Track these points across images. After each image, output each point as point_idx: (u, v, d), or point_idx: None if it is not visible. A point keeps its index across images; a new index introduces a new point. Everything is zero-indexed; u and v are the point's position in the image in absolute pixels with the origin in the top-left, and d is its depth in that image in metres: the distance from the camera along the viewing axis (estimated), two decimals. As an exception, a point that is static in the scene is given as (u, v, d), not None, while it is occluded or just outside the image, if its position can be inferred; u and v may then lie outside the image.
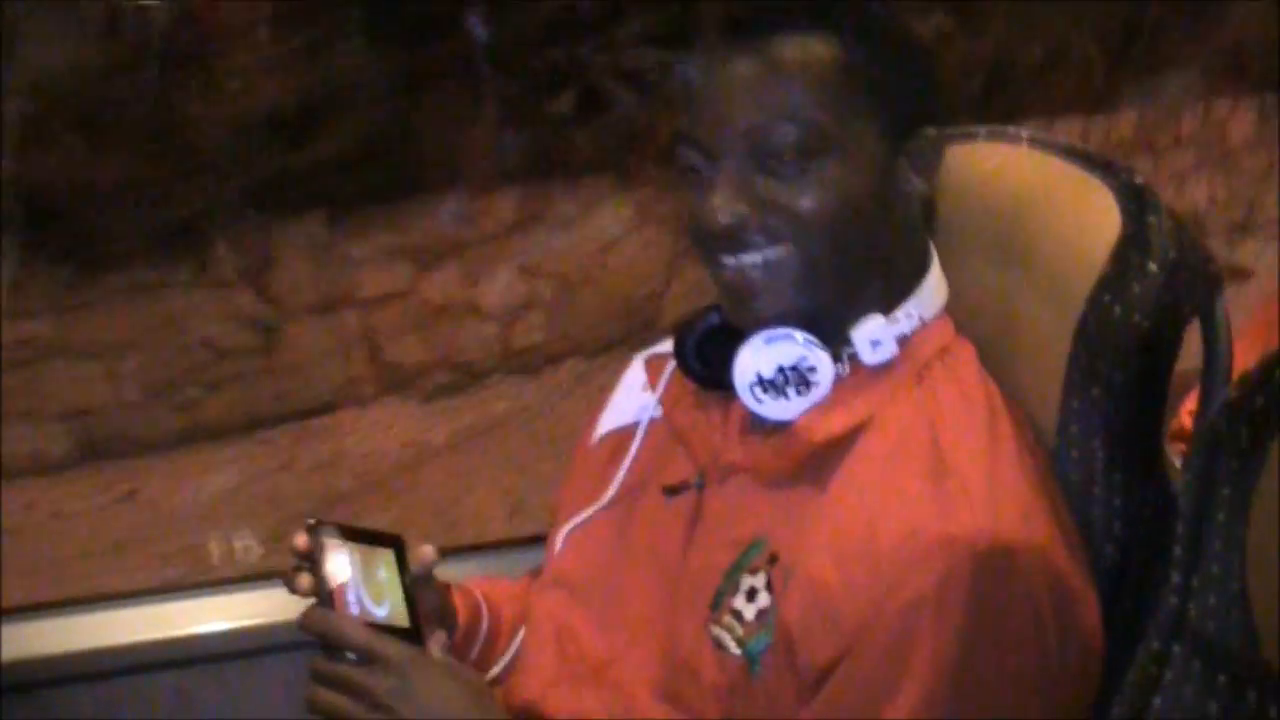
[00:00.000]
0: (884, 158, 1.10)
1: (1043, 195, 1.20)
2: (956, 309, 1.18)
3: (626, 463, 1.25)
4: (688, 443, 1.20)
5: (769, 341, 1.10)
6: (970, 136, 1.26)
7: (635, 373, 1.30)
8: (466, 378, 5.21)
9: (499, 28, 4.62)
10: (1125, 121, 7.21)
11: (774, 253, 1.09)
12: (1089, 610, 1.07)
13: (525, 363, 4.51)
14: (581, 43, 4.46)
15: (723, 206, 1.10)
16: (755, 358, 1.10)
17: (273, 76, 4.65)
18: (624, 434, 1.27)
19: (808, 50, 1.08)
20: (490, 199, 4.81)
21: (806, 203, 1.08)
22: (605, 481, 1.25)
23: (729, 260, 1.11)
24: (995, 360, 1.16)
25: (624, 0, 4.50)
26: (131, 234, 4.60)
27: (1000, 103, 6.77)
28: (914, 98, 1.12)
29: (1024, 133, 1.26)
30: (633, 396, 1.28)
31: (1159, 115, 7.37)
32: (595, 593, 1.21)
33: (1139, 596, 1.07)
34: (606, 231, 4.45)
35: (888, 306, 1.13)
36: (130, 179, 4.58)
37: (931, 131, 1.13)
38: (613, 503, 1.23)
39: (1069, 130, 7.01)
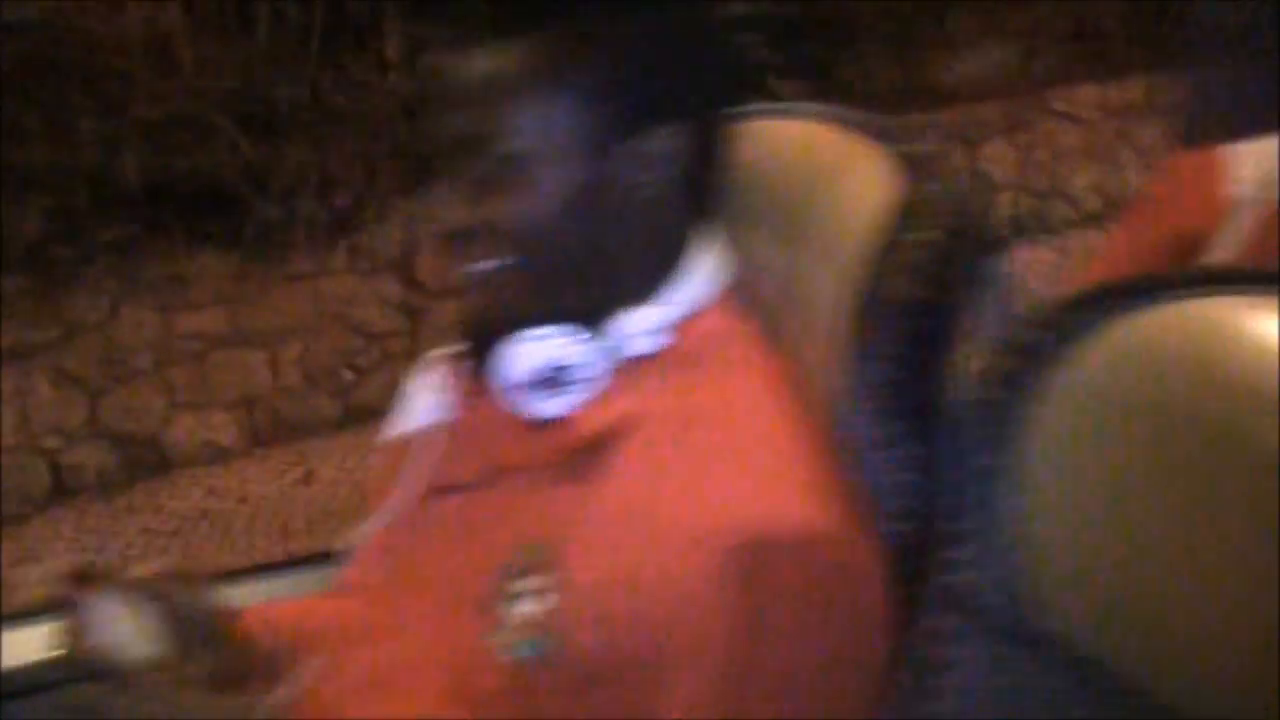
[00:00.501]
0: (601, 158, 1.05)
1: (828, 169, 1.17)
2: (748, 287, 1.13)
3: (417, 465, 1.19)
4: (471, 441, 1.15)
5: (533, 340, 1.07)
6: (760, 114, 1.22)
7: (430, 372, 1.24)
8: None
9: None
10: (1136, 87, 7.28)
11: (489, 263, 1.06)
12: (875, 592, 1.02)
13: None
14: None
15: (440, 217, 1.07)
16: (521, 356, 1.07)
17: (411, 68, 4.74)
18: (419, 435, 1.21)
19: (502, 61, 1.04)
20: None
21: (511, 214, 1.04)
22: (399, 485, 1.19)
23: (458, 267, 1.08)
24: (786, 337, 1.12)
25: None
26: (289, 225, 4.70)
27: (1034, 69, 6.90)
28: (640, 93, 1.05)
29: (813, 107, 1.23)
30: (427, 396, 1.23)
31: (1167, 80, 7.42)
32: (386, 599, 1.16)
33: (932, 571, 1.00)
34: None
35: (651, 296, 1.08)
36: (285, 172, 4.69)
37: (683, 119, 1.06)
38: (406, 506, 1.18)
39: (1088, 96, 6.95)
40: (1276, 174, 1.35)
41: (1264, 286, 0.90)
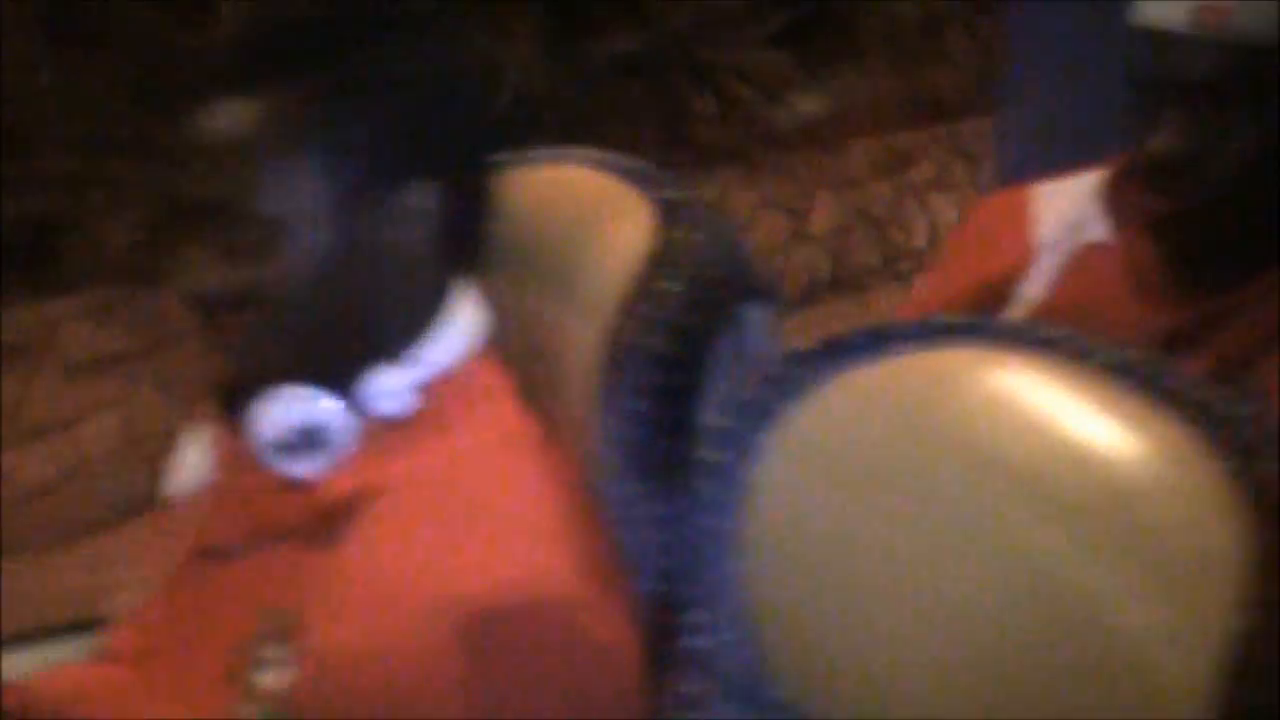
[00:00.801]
0: (355, 217, 1.02)
1: (590, 216, 1.13)
2: (509, 339, 1.10)
3: (184, 527, 1.13)
4: (232, 504, 1.10)
5: (282, 401, 1.03)
6: (529, 161, 1.18)
7: (202, 431, 1.18)
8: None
9: (647, 32, 4.78)
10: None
11: (244, 324, 1.02)
12: (628, 657, 0.98)
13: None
14: (714, 46, 4.66)
15: (195, 279, 1.04)
16: (270, 418, 1.03)
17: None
18: (189, 496, 1.16)
19: (250, 122, 1.00)
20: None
21: (263, 276, 1.01)
22: (168, 548, 1.14)
23: (215, 328, 1.04)
24: (545, 391, 1.09)
25: (751, 6, 4.71)
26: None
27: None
28: (394, 150, 1.02)
29: (583, 153, 1.18)
30: (199, 457, 1.17)
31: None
32: (148, 666, 1.11)
33: (680, 635, 0.98)
34: (737, 216, 4.55)
35: (406, 355, 1.05)
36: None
37: (440, 174, 1.03)
38: (172, 569, 1.12)
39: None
40: (1080, 215, 1.29)
41: (988, 338, 0.86)
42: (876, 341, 0.88)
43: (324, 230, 1.01)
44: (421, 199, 1.03)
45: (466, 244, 1.08)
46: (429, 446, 1.03)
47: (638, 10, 4.70)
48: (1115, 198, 1.29)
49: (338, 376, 1.04)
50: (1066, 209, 1.31)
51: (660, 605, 1.01)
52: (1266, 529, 0.76)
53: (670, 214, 1.07)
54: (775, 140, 4.60)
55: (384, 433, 1.04)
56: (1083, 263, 1.29)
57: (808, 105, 4.65)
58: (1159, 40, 1.19)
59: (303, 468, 1.04)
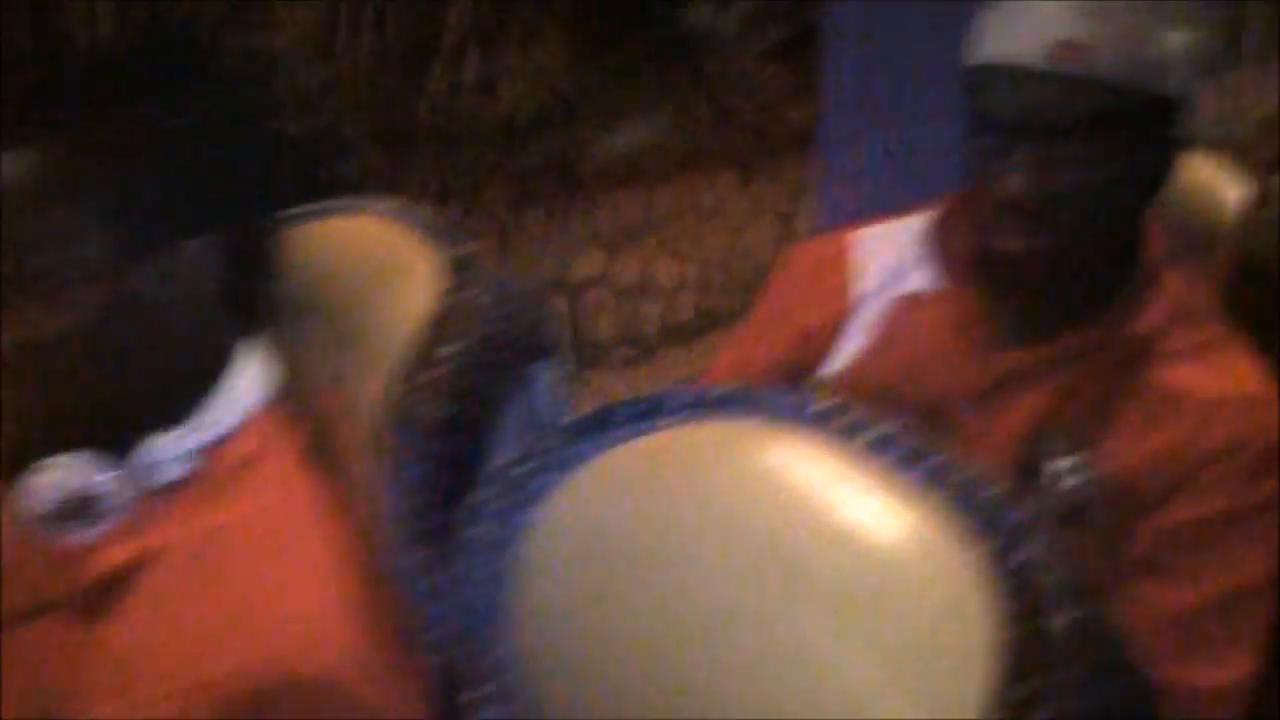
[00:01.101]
0: (124, 275, 0.96)
1: (378, 273, 1.08)
2: (301, 399, 1.05)
3: None
4: (4, 575, 1.04)
5: (54, 468, 0.97)
6: (323, 212, 1.13)
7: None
8: (642, 352, 5.40)
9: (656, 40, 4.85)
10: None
11: (9, 388, 0.97)
12: None
13: (681, 336, 4.91)
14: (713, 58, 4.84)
15: None
16: (41, 485, 0.97)
17: (503, 89, 4.86)
18: None
19: (11, 173, 0.95)
20: (655, 192, 4.99)
21: (27, 336, 0.96)
22: None
23: None
24: (343, 455, 1.04)
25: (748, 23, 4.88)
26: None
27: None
28: (165, 205, 0.97)
29: (380, 205, 1.14)
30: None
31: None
32: None
33: (464, 710, 0.92)
34: (733, 220, 4.77)
35: (185, 417, 0.99)
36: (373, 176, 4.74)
37: (217, 230, 0.99)
38: None
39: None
40: (902, 262, 1.22)
41: (759, 412, 0.82)
42: (648, 414, 0.84)
43: (98, 287, 0.95)
44: (200, 255, 0.97)
45: (250, 301, 1.02)
46: (206, 514, 0.98)
47: (648, 18, 4.85)
48: (942, 242, 1.20)
49: (113, 441, 0.98)
50: (889, 256, 1.23)
51: (449, 679, 0.95)
52: (1023, 620, 0.72)
53: (459, 272, 1.03)
54: (767, 148, 4.75)
55: (161, 499, 0.98)
56: (905, 311, 1.21)
57: (798, 115, 4.75)
58: (1013, 78, 1.11)
59: (75, 537, 0.98)
